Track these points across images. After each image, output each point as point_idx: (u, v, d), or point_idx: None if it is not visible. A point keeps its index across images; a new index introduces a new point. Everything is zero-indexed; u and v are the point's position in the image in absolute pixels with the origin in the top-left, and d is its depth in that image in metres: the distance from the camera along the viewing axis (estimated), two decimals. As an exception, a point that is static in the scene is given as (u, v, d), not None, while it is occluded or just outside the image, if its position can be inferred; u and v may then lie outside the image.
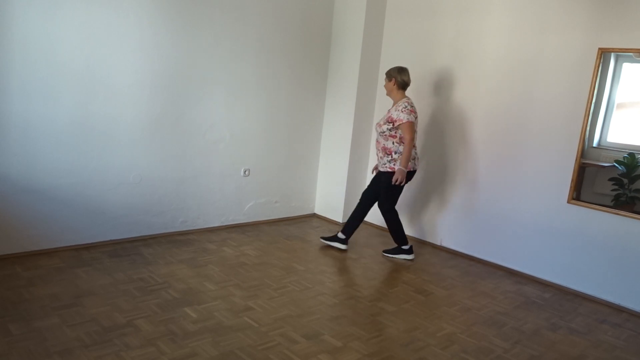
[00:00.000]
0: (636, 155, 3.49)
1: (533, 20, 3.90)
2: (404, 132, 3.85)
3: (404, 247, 4.22)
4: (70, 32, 3.43)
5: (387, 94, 4.07)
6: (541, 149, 3.91)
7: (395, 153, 3.92)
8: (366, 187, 4.30)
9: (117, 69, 3.68)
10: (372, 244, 4.58)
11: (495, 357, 2.80)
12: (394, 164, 3.93)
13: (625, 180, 3.55)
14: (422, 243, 4.73)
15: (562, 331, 3.20)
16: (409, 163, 3.93)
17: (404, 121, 3.83)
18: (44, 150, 3.47)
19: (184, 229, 4.34)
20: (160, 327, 2.76)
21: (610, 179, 3.61)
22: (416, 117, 3.94)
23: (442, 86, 4.50)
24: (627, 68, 3.55)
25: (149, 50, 3.81)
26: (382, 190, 4.06)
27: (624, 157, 3.54)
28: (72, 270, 3.37)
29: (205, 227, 4.47)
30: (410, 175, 4.03)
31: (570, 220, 3.79)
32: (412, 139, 3.87)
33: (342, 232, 4.29)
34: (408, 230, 4.88)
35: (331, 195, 5.17)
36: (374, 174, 4.23)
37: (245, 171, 4.66)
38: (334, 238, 4.31)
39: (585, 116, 3.65)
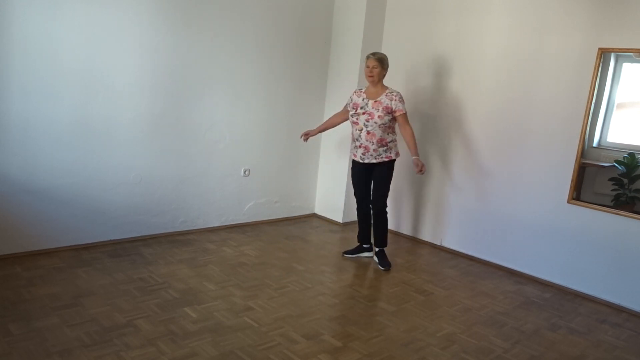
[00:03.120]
0: (636, 155, 3.49)
1: (533, 21, 3.89)
2: (406, 121, 3.82)
3: (365, 245, 4.22)
4: (71, 32, 3.43)
5: (373, 81, 3.78)
6: (541, 148, 3.90)
7: (391, 142, 3.89)
8: (355, 186, 4.08)
9: (117, 69, 3.68)
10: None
11: (495, 357, 2.80)
12: (391, 153, 3.89)
13: (625, 180, 3.55)
14: (422, 243, 4.73)
15: (562, 331, 3.20)
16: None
17: (403, 111, 3.79)
18: (44, 150, 3.48)
19: (184, 229, 4.34)
20: (160, 327, 2.76)
21: (610, 179, 3.61)
22: None
23: (442, 86, 4.50)
24: (627, 68, 3.55)
25: (149, 50, 3.81)
26: (384, 182, 3.95)
27: (624, 157, 3.54)
28: (72, 270, 3.37)
29: (205, 227, 4.47)
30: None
31: (570, 220, 3.79)
32: None
33: (360, 241, 4.22)
34: (409, 230, 4.88)
35: (331, 195, 5.16)
36: (305, 139, 4.20)
37: (245, 171, 4.66)
38: (359, 249, 4.23)
39: (585, 116, 3.65)
